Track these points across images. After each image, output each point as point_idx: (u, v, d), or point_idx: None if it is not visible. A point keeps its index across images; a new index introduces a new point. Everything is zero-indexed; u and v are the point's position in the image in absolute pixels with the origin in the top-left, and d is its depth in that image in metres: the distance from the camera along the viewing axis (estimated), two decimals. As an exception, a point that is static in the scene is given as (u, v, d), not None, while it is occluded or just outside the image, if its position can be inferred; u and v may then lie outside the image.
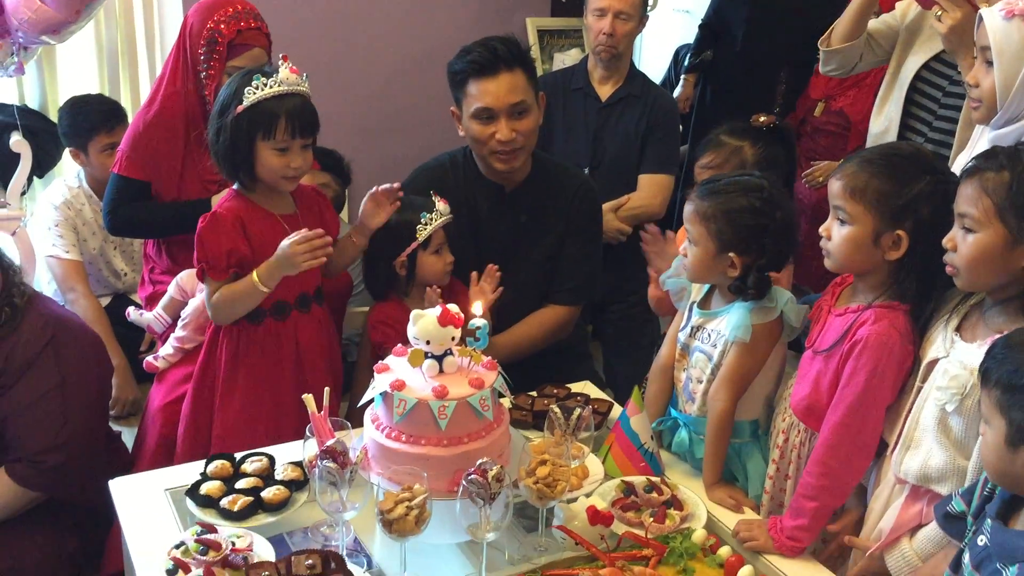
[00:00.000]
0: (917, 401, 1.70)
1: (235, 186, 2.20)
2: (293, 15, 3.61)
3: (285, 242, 2.10)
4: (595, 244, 2.66)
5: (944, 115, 2.49)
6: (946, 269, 1.64)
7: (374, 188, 2.30)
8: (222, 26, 2.46)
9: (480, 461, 1.61)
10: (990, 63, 1.79)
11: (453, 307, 1.76)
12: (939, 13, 2.24)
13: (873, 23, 2.63)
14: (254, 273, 2.12)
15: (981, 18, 1.81)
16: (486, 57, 2.38)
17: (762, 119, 2.42)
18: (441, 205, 2.40)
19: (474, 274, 2.41)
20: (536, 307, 2.60)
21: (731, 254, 1.90)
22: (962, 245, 1.60)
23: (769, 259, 1.92)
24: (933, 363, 1.68)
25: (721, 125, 2.45)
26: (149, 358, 2.52)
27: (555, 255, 2.57)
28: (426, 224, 2.37)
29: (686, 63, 4.35)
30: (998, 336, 1.56)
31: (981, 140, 1.87)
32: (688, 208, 1.95)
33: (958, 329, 1.68)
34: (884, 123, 2.62)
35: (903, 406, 1.74)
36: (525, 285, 2.54)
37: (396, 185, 2.31)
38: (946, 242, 1.63)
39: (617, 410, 2.14)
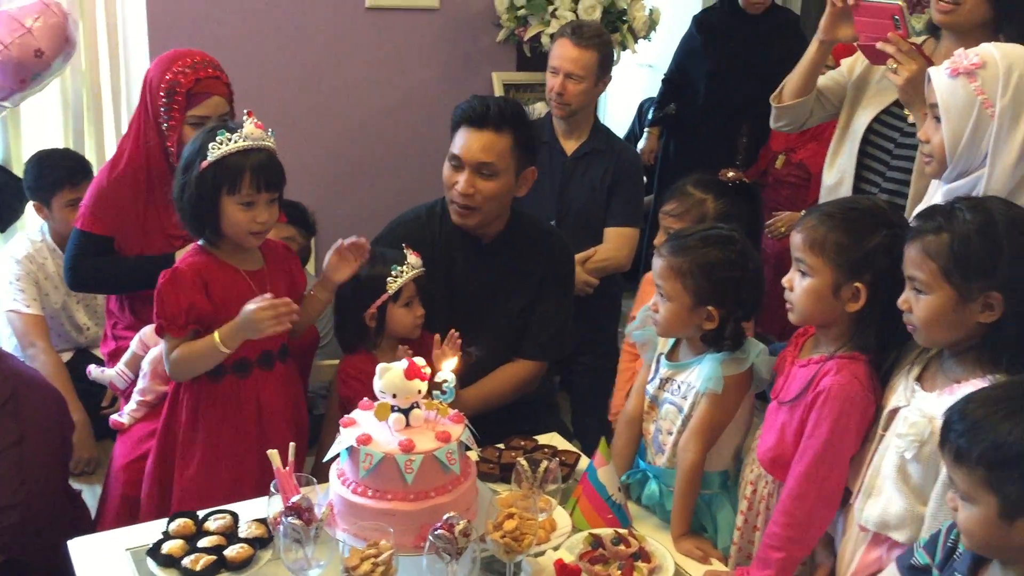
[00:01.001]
0: (879, 449, 1.72)
1: (200, 241, 2.19)
2: (261, 66, 3.63)
3: (249, 306, 2.06)
4: (567, 301, 2.67)
5: (897, 165, 2.54)
6: (907, 327, 1.67)
7: (339, 242, 2.30)
8: (180, 76, 2.48)
9: (447, 516, 1.60)
10: (939, 119, 1.85)
11: (419, 360, 1.76)
12: (894, 67, 2.30)
13: (822, 79, 2.68)
14: (216, 333, 2.09)
15: (929, 76, 1.87)
16: (478, 111, 2.41)
17: (730, 174, 2.46)
18: (413, 258, 2.40)
19: (436, 337, 2.41)
20: (507, 360, 2.60)
21: (709, 307, 1.93)
22: (915, 306, 1.63)
23: (744, 309, 1.95)
24: (895, 412, 1.70)
25: (690, 175, 2.48)
26: (115, 416, 2.48)
27: (527, 310, 2.58)
28: (396, 277, 2.37)
29: (650, 116, 4.44)
30: (956, 389, 1.59)
31: (936, 194, 1.92)
32: (659, 264, 1.97)
33: (919, 378, 1.70)
34: (837, 175, 2.66)
35: (866, 455, 1.75)
36: (497, 339, 2.54)
37: (363, 240, 2.31)
38: (901, 303, 1.66)
39: (584, 462, 2.13)
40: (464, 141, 2.43)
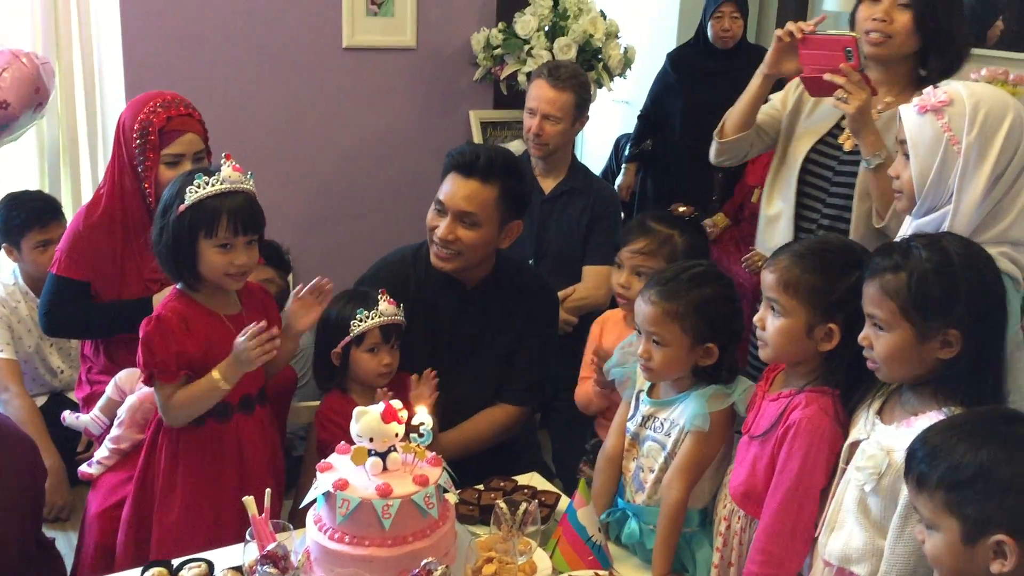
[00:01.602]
0: (841, 483, 1.73)
1: (179, 286, 2.18)
2: (239, 107, 3.64)
3: (239, 339, 2.09)
4: (550, 347, 2.66)
5: (837, 192, 2.58)
6: (868, 365, 1.68)
7: (299, 288, 2.29)
8: (152, 116, 2.49)
9: (425, 561, 1.59)
10: (907, 156, 1.87)
11: (396, 403, 1.75)
12: (844, 97, 2.34)
13: (758, 114, 2.71)
14: (214, 371, 2.10)
15: (900, 114, 1.90)
16: (467, 158, 2.40)
17: (681, 209, 2.47)
18: (385, 305, 2.38)
19: (413, 377, 2.40)
20: (489, 403, 2.59)
21: (709, 345, 1.94)
22: (876, 343, 1.65)
23: (736, 341, 1.98)
24: (856, 445, 1.71)
25: (644, 213, 2.50)
26: (83, 467, 2.44)
27: (510, 354, 2.56)
28: (360, 320, 2.36)
29: (626, 152, 4.47)
30: (913, 421, 1.60)
31: (908, 230, 1.93)
32: (650, 311, 1.95)
33: (879, 412, 1.71)
34: (778, 207, 2.69)
35: (830, 489, 1.76)
36: (479, 383, 2.54)
37: (324, 281, 2.30)
38: (861, 340, 1.67)
39: (564, 502, 2.12)
40: (450, 187, 2.42)
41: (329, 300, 2.31)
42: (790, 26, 2.46)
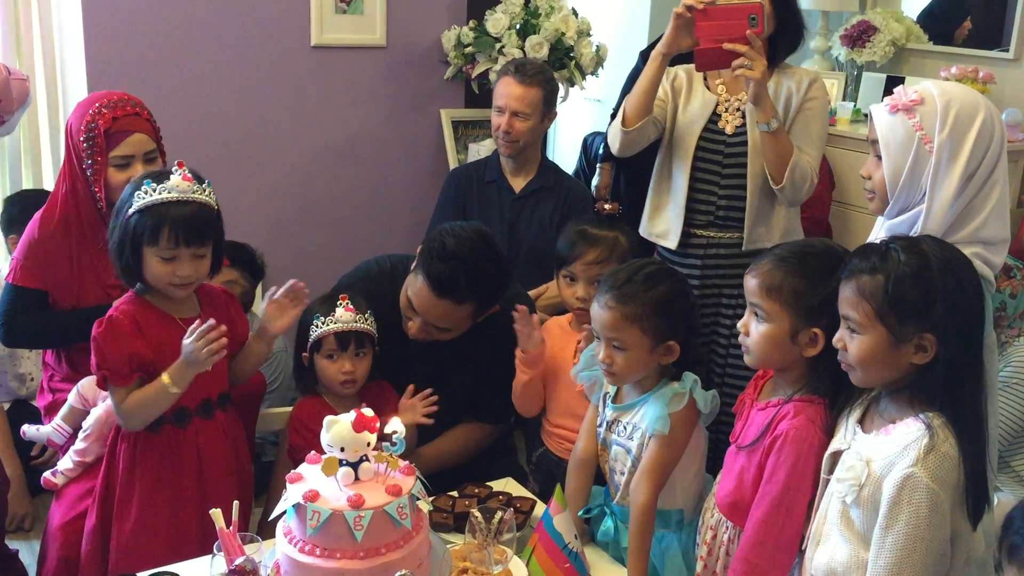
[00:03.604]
0: (824, 495, 1.71)
1: (136, 287, 2.14)
2: (205, 106, 3.58)
3: (185, 340, 2.04)
4: None
5: (729, 174, 2.73)
6: (842, 366, 1.66)
7: (273, 290, 2.24)
8: (97, 117, 2.42)
9: (399, 573, 1.55)
10: (879, 156, 1.86)
11: (368, 411, 1.71)
12: (749, 64, 2.47)
13: None
14: (164, 375, 2.04)
15: (871, 114, 1.89)
16: (444, 279, 2.29)
17: (607, 207, 2.48)
18: (342, 312, 2.33)
19: (411, 387, 2.37)
20: (464, 416, 2.57)
21: (670, 342, 1.91)
22: (850, 346, 1.63)
23: (696, 333, 1.97)
24: (837, 455, 1.69)
25: (573, 224, 2.53)
26: (47, 474, 2.38)
27: (487, 373, 2.53)
28: (316, 326, 2.33)
29: (600, 151, 4.44)
30: (891, 429, 1.58)
31: (880, 231, 1.93)
32: (607, 316, 1.94)
33: (860, 421, 1.69)
34: (669, 196, 2.81)
35: (816, 501, 1.74)
36: (454, 401, 2.51)
37: (299, 284, 2.25)
38: (836, 342, 1.66)
39: (540, 508, 2.09)
40: (422, 299, 2.33)
41: (305, 303, 2.27)
42: (691, 0, 2.52)
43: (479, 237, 2.36)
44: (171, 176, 2.05)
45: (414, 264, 2.39)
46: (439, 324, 2.37)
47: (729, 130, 2.73)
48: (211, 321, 2.05)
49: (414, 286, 2.36)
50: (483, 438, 2.59)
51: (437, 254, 2.31)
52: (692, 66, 2.76)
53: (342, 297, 2.35)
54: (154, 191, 2.03)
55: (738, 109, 2.73)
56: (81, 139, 2.43)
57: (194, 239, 2.06)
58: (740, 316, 2.73)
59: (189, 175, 2.07)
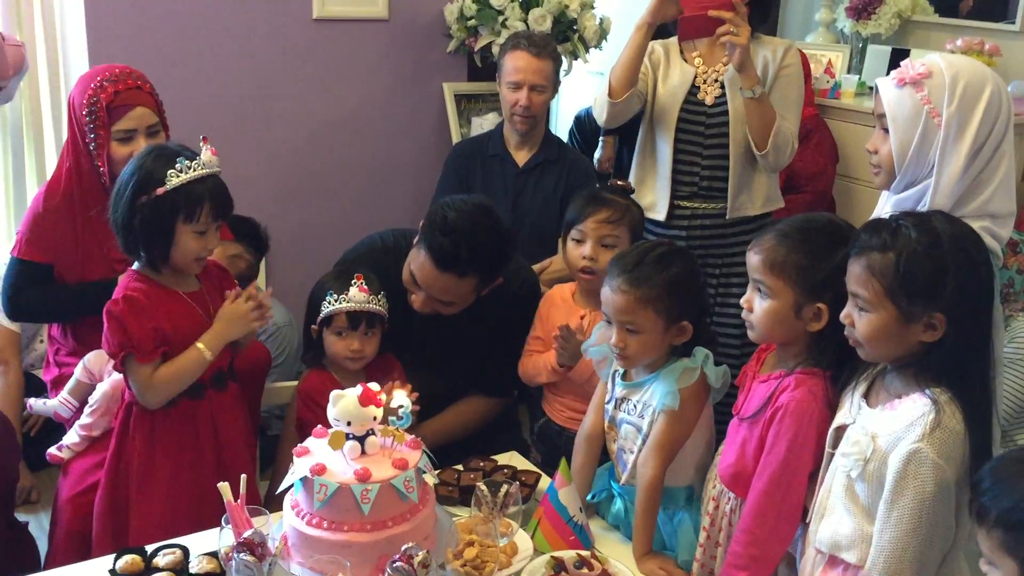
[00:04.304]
0: (829, 469, 1.71)
1: (136, 267, 2.14)
2: (207, 79, 3.56)
3: (230, 305, 2.13)
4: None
5: (712, 144, 2.79)
6: (849, 342, 1.66)
7: (236, 293, 2.21)
8: (99, 92, 2.41)
9: (405, 546, 1.57)
10: (886, 130, 1.85)
11: (374, 386, 1.72)
12: (734, 30, 2.53)
13: None
14: (199, 343, 2.09)
15: (877, 87, 1.88)
16: (447, 253, 2.28)
17: (620, 183, 2.49)
18: (355, 292, 2.33)
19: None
20: (469, 391, 2.58)
21: (684, 322, 1.92)
22: (858, 322, 1.62)
23: (708, 312, 1.98)
24: (842, 429, 1.69)
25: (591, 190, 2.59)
26: (53, 449, 2.38)
27: (491, 347, 2.53)
28: (329, 303, 2.33)
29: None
30: (896, 404, 1.58)
31: (885, 205, 1.92)
32: (621, 300, 1.93)
33: (865, 395, 1.69)
34: (654, 168, 2.86)
35: (819, 473, 1.74)
36: (458, 376, 2.51)
37: (263, 294, 2.22)
38: (843, 318, 1.65)
39: (545, 481, 2.10)
40: (425, 272, 2.32)
41: (264, 319, 2.22)
42: None
43: (481, 210, 2.36)
44: (202, 152, 2.06)
45: (417, 238, 2.39)
46: (442, 298, 2.37)
47: (709, 101, 2.77)
48: (261, 288, 2.12)
49: (417, 260, 2.36)
50: (488, 411, 2.60)
51: (439, 228, 2.30)
52: (669, 40, 2.82)
53: (357, 276, 2.35)
54: (189, 168, 2.03)
55: (716, 80, 2.78)
56: (83, 113, 2.42)
57: (226, 212, 2.11)
58: (724, 286, 2.84)
59: (215, 149, 2.08)
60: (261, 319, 2.16)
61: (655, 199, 2.85)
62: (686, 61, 2.82)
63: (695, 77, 2.80)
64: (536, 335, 2.49)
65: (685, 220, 2.84)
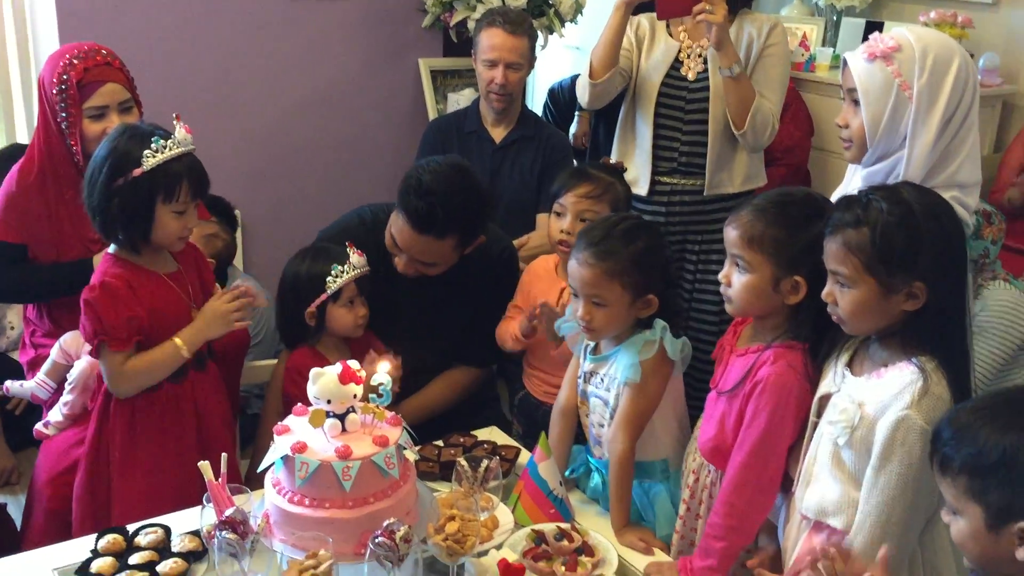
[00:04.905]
0: (814, 437, 1.74)
1: (113, 249, 2.12)
2: (178, 55, 3.52)
3: (214, 303, 2.11)
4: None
5: (692, 120, 2.80)
6: (833, 319, 1.68)
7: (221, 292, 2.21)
8: (69, 69, 2.38)
9: (387, 522, 1.57)
10: (857, 103, 1.86)
11: (354, 364, 1.72)
12: (709, 8, 2.55)
13: None
14: (176, 339, 2.08)
15: (846, 61, 1.89)
16: (423, 215, 2.30)
17: (611, 162, 2.50)
18: (356, 258, 2.35)
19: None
20: (451, 363, 2.58)
21: (649, 296, 1.93)
22: (841, 299, 1.64)
23: (674, 284, 1.99)
24: (826, 398, 1.72)
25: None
26: (39, 426, 2.38)
27: (473, 317, 2.54)
28: (336, 276, 2.32)
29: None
30: (883, 373, 1.61)
31: (855, 179, 1.94)
32: (587, 273, 1.94)
33: (849, 364, 1.72)
34: (634, 144, 2.87)
35: (799, 444, 1.77)
36: (441, 348, 2.52)
37: (245, 288, 2.23)
38: (825, 296, 1.67)
39: (525, 456, 2.12)
40: (405, 236, 2.35)
41: (248, 316, 2.23)
42: None
43: (456, 171, 2.37)
44: (176, 130, 2.04)
45: (398, 197, 2.40)
46: (424, 259, 2.38)
47: (691, 76, 2.77)
48: (245, 287, 2.11)
49: (396, 224, 2.38)
50: (471, 382, 2.62)
51: (414, 191, 2.32)
52: (655, 14, 2.79)
53: (348, 244, 2.36)
54: (166, 147, 2.02)
55: (700, 55, 2.77)
56: (54, 92, 2.39)
57: (203, 190, 2.09)
58: (704, 262, 2.86)
59: (188, 127, 2.06)
60: (243, 320, 2.15)
61: (637, 174, 2.85)
62: (671, 36, 2.82)
63: (679, 52, 2.79)
64: (515, 303, 2.50)
65: (665, 196, 2.85)
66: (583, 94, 2.81)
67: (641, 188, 2.84)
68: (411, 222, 2.32)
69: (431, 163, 2.38)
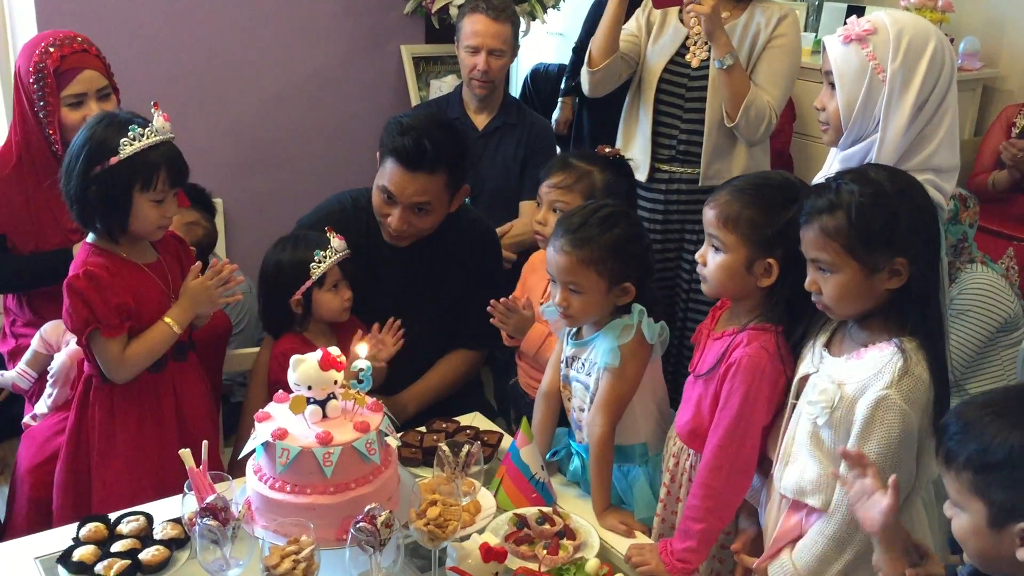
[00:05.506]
0: (792, 417, 1.75)
1: (91, 239, 2.11)
2: (158, 45, 3.50)
3: (194, 281, 2.11)
4: (498, 291, 2.63)
5: (691, 107, 2.79)
6: (817, 307, 1.69)
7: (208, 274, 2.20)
8: (45, 57, 2.37)
9: (368, 507, 1.58)
10: (833, 86, 1.87)
11: (334, 350, 1.73)
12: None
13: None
14: (166, 318, 2.09)
15: (824, 45, 1.90)
16: (413, 152, 2.30)
17: (607, 150, 2.50)
18: (336, 242, 2.35)
19: (376, 325, 2.38)
20: (437, 354, 2.59)
21: (626, 284, 1.94)
22: (824, 286, 1.65)
23: (652, 274, 2.02)
24: (805, 379, 1.73)
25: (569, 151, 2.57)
26: (27, 419, 2.38)
27: (457, 304, 2.54)
28: (320, 262, 2.32)
29: (563, 86, 4.41)
30: (863, 353, 1.62)
31: (833, 163, 1.95)
32: (563, 260, 1.95)
33: (827, 345, 1.73)
34: (636, 128, 2.87)
35: (782, 424, 1.78)
36: (430, 329, 2.52)
37: (234, 267, 2.22)
38: (809, 285, 1.68)
39: (507, 441, 2.13)
40: (397, 179, 2.34)
41: (231, 294, 2.22)
42: None
43: (430, 111, 2.41)
44: (154, 119, 2.03)
45: (379, 154, 2.40)
46: (419, 200, 2.36)
47: (695, 64, 2.75)
48: (224, 260, 2.11)
49: (385, 174, 2.38)
50: (469, 366, 2.63)
51: (398, 131, 2.35)
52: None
53: (327, 229, 2.36)
54: (143, 136, 2.01)
55: (706, 43, 2.73)
56: (31, 81, 2.38)
57: (181, 178, 2.08)
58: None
59: (166, 114, 2.05)
60: (229, 295, 2.16)
61: (638, 161, 2.83)
62: (682, 22, 2.79)
63: (686, 38, 2.77)
64: (515, 295, 2.51)
65: (663, 184, 2.84)
66: (584, 82, 2.82)
67: (641, 174, 2.82)
68: (401, 161, 2.33)
69: (406, 111, 2.40)
